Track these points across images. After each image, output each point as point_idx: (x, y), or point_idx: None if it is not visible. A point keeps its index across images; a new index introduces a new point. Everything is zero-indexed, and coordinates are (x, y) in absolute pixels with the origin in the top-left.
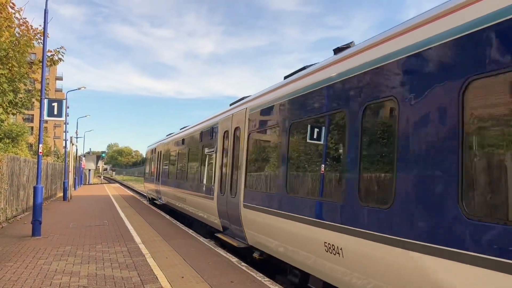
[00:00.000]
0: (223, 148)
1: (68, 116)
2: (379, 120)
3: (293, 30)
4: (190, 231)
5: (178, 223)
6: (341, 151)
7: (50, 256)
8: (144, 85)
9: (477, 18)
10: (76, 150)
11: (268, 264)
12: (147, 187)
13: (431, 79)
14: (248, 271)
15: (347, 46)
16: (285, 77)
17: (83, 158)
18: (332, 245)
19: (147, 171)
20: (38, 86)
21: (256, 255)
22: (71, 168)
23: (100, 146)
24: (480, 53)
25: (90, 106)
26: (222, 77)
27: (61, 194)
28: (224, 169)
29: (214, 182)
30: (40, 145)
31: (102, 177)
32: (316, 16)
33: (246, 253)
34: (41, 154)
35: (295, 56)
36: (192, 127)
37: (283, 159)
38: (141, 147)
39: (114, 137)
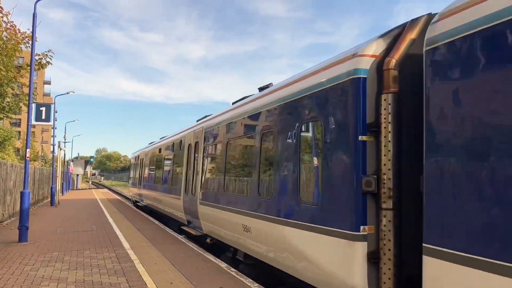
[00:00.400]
0: (188, 157)
1: (56, 120)
2: (268, 142)
3: (283, 36)
4: (179, 237)
5: (167, 229)
6: (251, 162)
7: (37, 262)
8: (133, 90)
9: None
10: (64, 155)
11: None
12: (131, 191)
13: (286, 120)
14: (238, 277)
15: (267, 86)
16: (233, 103)
17: (71, 163)
18: (246, 225)
19: (131, 176)
20: (26, 90)
21: (208, 240)
22: (58, 173)
23: (88, 151)
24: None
25: (78, 111)
26: (212, 82)
27: (49, 199)
28: (188, 174)
29: (181, 185)
30: (27, 150)
31: (90, 182)
32: (306, 22)
33: (203, 241)
34: (28, 159)
35: (285, 61)
36: (167, 138)
37: (223, 167)
38: (130, 152)
39: (103, 142)
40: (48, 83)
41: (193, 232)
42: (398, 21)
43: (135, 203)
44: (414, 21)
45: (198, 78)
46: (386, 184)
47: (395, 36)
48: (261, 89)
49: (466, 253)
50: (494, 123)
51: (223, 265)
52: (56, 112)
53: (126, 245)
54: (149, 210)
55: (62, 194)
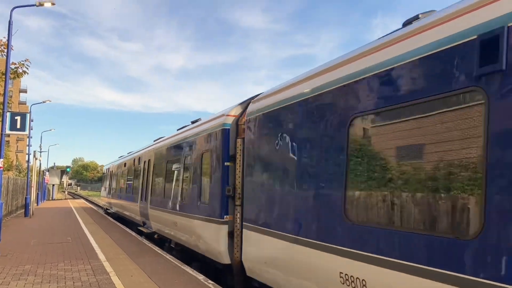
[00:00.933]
0: (143, 171)
1: (32, 129)
2: (186, 163)
3: (262, 47)
4: (156, 248)
5: (145, 240)
6: (179, 177)
7: (9, 275)
8: (111, 99)
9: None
10: (40, 164)
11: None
12: (103, 200)
13: (193, 149)
14: None
15: (196, 121)
16: (178, 129)
17: (47, 172)
18: (176, 222)
19: (102, 186)
20: (0, 99)
21: (156, 236)
22: (33, 183)
23: (65, 161)
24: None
25: (55, 120)
26: (192, 92)
27: (23, 210)
28: (143, 185)
29: (138, 194)
30: (1, 160)
31: (66, 192)
32: (285, 34)
33: (151, 236)
34: (1, 169)
35: (265, 72)
36: (131, 154)
37: (164, 180)
38: (107, 161)
39: (80, 152)
40: (24, 91)
41: (145, 230)
42: (374, 35)
43: (105, 210)
44: (254, 98)
45: (177, 88)
46: (237, 191)
47: (247, 104)
48: (192, 122)
49: (257, 226)
50: (264, 158)
51: (200, 277)
52: (32, 121)
53: (102, 256)
54: (117, 216)
55: (37, 205)
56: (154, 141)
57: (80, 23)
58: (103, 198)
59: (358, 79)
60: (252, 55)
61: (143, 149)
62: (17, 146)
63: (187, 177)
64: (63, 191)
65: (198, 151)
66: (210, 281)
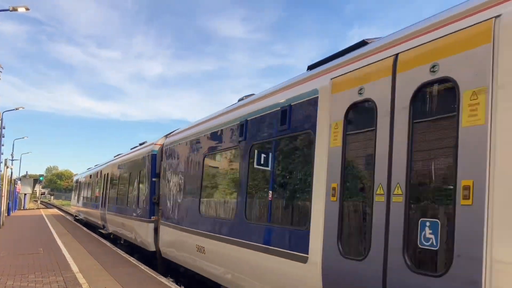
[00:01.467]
0: (103, 182)
1: (3, 137)
2: (131, 178)
3: (241, 56)
4: (131, 259)
5: (119, 251)
6: (124, 188)
7: None
8: (88, 107)
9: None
10: (11, 173)
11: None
12: (73, 208)
13: (134, 168)
14: None
15: (143, 143)
16: (131, 149)
17: (19, 181)
18: (123, 223)
19: (72, 195)
20: None
21: (111, 236)
22: (4, 193)
23: (38, 169)
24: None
25: (29, 128)
26: (170, 100)
27: None
28: (103, 194)
29: (99, 201)
30: None
31: (39, 202)
32: (264, 44)
33: (107, 236)
34: None
35: (244, 81)
36: (97, 167)
37: (116, 189)
38: (82, 170)
39: (54, 160)
40: None
41: (104, 232)
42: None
43: (75, 217)
44: (170, 133)
45: (156, 96)
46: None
47: (169, 136)
48: (140, 144)
49: (166, 222)
50: (168, 177)
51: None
52: (4, 128)
53: (74, 268)
54: (85, 222)
55: (8, 215)
56: (114, 156)
57: (57, 29)
58: (73, 206)
59: (204, 134)
60: (231, 64)
61: (104, 164)
62: None
63: (130, 188)
64: (35, 201)
65: (137, 169)
66: None
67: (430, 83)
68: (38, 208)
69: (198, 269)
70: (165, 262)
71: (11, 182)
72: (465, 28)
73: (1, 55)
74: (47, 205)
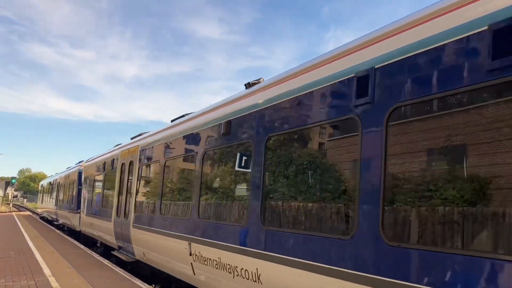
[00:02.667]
0: (56, 188)
1: None
2: (70, 186)
3: (218, 58)
4: (106, 261)
5: (93, 253)
6: (68, 192)
7: None
8: (61, 108)
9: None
10: None
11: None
12: (40, 208)
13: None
14: None
15: (81, 161)
16: (67, 168)
17: None
18: (65, 215)
19: (38, 198)
20: None
21: (60, 225)
22: None
23: (10, 171)
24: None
25: (0, 129)
26: (146, 101)
27: None
28: (56, 196)
29: (54, 201)
30: None
31: (11, 205)
32: (241, 45)
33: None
34: None
35: (220, 83)
36: (52, 176)
37: (62, 192)
38: (56, 171)
39: (27, 162)
40: None
41: (56, 223)
42: (328, 47)
43: (40, 215)
44: (89, 159)
45: (132, 97)
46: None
47: (87, 161)
48: (76, 163)
49: (84, 212)
50: (85, 187)
51: None
52: None
53: (47, 271)
54: (47, 219)
55: None
56: (66, 168)
57: (29, 29)
58: (38, 207)
59: (95, 163)
60: (208, 65)
61: (57, 174)
62: None
63: (69, 192)
64: (7, 204)
65: (71, 180)
66: None
67: None
68: (10, 211)
69: (91, 234)
70: (84, 236)
71: None
72: None
73: None
74: (20, 208)
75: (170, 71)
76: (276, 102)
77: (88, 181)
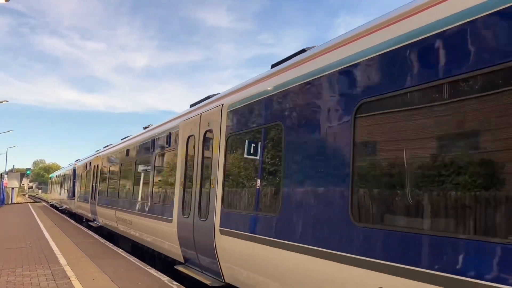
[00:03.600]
0: (60, 180)
1: None
2: (69, 179)
3: (227, 47)
4: (120, 251)
5: (107, 243)
6: (69, 183)
7: None
8: (73, 99)
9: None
10: None
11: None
12: (50, 198)
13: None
14: None
15: (78, 159)
16: (69, 164)
17: (5, 175)
18: (67, 202)
19: (48, 188)
20: None
21: (66, 210)
22: None
23: (25, 163)
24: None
25: (14, 121)
26: (157, 91)
27: None
28: (60, 188)
29: (59, 191)
30: None
31: (27, 196)
32: (250, 33)
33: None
34: None
35: (230, 72)
36: (59, 170)
37: (64, 184)
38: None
39: (41, 154)
40: None
41: (60, 207)
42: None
43: (50, 204)
44: (78, 159)
45: (142, 88)
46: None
47: (78, 161)
48: (66, 166)
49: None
50: (79, 180)
51: (165, 278)
52: None
53: (62, 261)
54: (55, 206)
55: None
56: (68, 164)
57: (39, 21)
58: (48, 196)
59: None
60: (217, 54)
61: (61, 170)
62: None
63: (69, 184)
64: (23, 195)
65: (68, 175)
66: (174, 282)
67: None
68: (26, 202)
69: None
70: (78, 216)
71: None
72: None
73: None
74: (35, 199)
75: (180, 61)
76: None
77: (80, 177)
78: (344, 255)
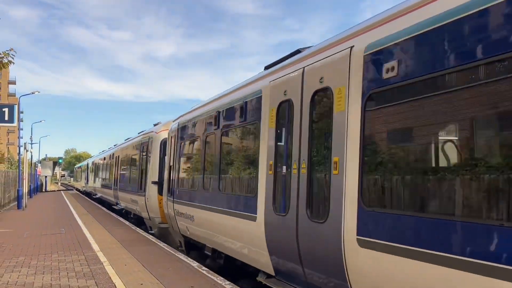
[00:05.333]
0: (87, 170)
1: (22, 121)
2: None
3: (253, 33)
4: (150, 237)
5: (138, 229)
6: (94, 173)
7: (2, 268)
8: (101, 89)
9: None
10: (31, 156)
11: None
12: (75, 184)
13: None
14: (209, 275)
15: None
16: (90, 158)
17: (39, 164)
18: (94, 188)
19: (74, 177)
20: None
21: (94, 196)
22: (25, 175)
23: (57, 152)
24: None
25: (45, 111)
26: (183, 80)
27: (16, 203)
28: (86, 177)
29: (84, 179)
30: None
31: (59, 184)
32: (275, 19)
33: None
34: None
35: (256, 58)
36: (83, 162)
37: (92, 173)
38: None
39: (72, 142)
40: (13, 83)
41: (83, 190)
42: (364, 17)
43: (76, 189)
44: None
45: (169, 76)
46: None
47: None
48: (103, 150)
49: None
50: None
51: (194, 264)
52: (22, 112)
53: (95, 247)
54: (86, 193)
55: (30, 197)
56: (91, 156)
57: (67, 12)
58: (75, 183)
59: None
60: (243, 41)
61: (86, 161)
62: (8, 138)
63: (90, 173)
64: (56, 183)
65: (84, 167)
66: (204, 268)
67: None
68: (59, 190)
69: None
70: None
71: (31, 165)
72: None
73: (14, 40)
74: (67, 187)
75: (205, 49)
76: None
77: (95, 168)
78: None
